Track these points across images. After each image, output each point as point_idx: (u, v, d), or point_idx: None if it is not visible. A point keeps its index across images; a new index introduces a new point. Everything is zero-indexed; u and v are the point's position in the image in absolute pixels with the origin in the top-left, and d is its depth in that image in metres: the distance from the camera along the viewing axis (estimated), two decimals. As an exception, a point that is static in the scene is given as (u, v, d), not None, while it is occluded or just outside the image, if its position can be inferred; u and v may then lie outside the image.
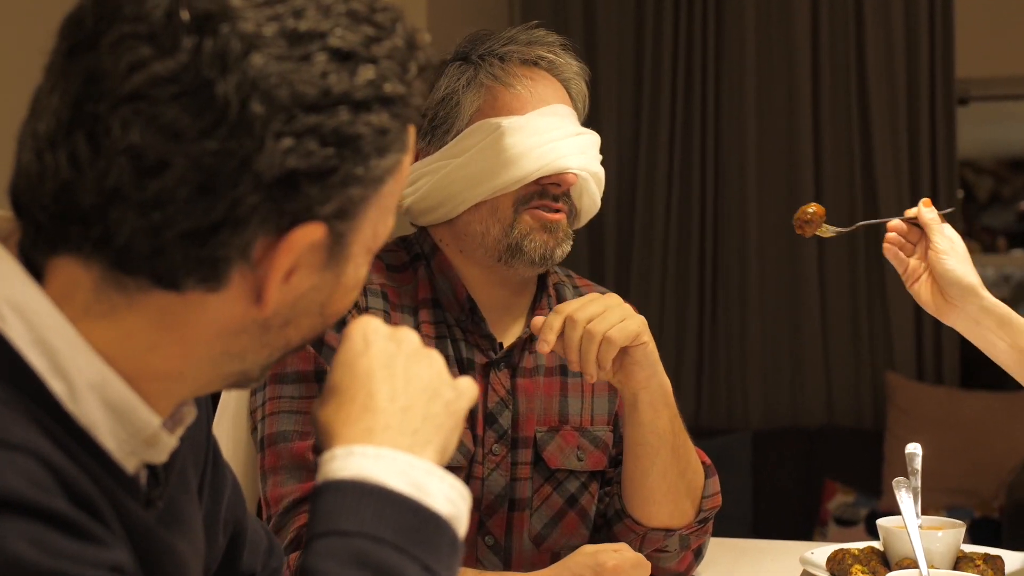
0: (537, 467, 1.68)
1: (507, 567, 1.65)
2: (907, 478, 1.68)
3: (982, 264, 5.50)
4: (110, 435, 0.88)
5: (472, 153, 1.63)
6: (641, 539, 1.65)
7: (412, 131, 0.92)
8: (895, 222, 1.70)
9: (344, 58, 0.85)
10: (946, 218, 1.68)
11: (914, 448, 1.73)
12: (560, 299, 1.77)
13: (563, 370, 1.72)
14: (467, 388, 0.96)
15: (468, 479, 1.63)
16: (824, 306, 4.61)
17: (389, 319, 1.63)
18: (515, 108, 1.64)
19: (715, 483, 1.70)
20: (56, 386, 0.85)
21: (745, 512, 4.39)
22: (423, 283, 1.69)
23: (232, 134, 0.81)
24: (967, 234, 5.21)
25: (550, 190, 1.64)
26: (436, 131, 1.67)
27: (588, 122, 1.73)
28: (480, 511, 1.64)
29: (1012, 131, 5.78)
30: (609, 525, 1.71)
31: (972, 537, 1.75)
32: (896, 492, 1.64)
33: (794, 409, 4.66)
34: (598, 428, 1.73)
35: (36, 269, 0.87)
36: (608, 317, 1.53)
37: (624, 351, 1.55)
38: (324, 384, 0.94)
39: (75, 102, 0.83)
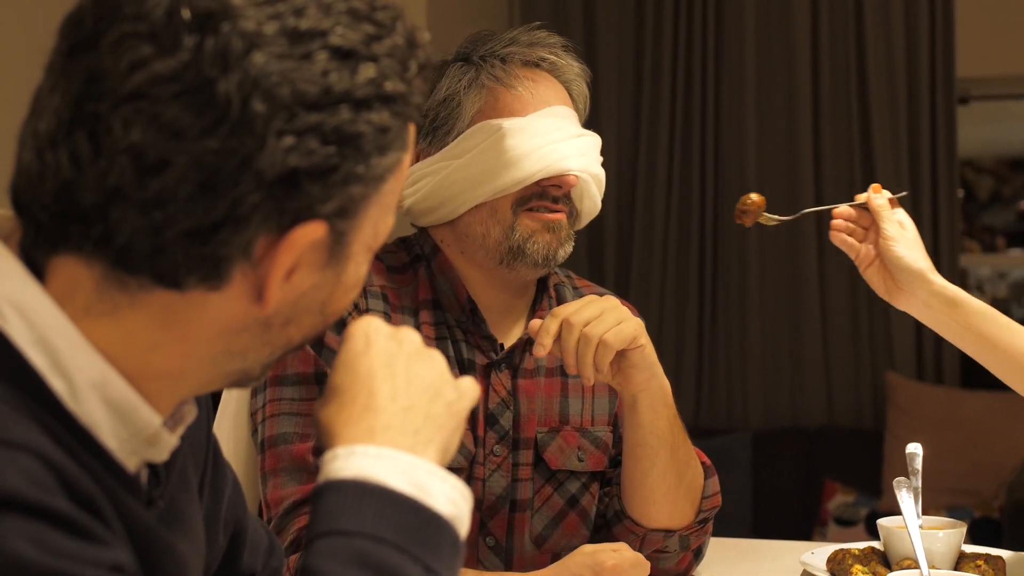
0: (538, 468, 1.68)
1: (508, 568, 1.65)
2: (907, 478, 1.67)
3: (980, 264, 5.50)
4: (111, 434, 0.88)
5: (473, 154, 1.63)
6: (641, 540, 1.65)
7: (412, 129, 0.92)
8: (841, 208, 1.71)
9: (345, 56, 0.85)
10: (898, 201, 1.69)
11: (915, 448, 1.73)
12: (560, 300, 1.77)
13: (563, 371, 1.71)
14: (469, 388, 0.96)
15: (469, 480, 1.62)
16: (824, 306, 4.61)
17: (389, 321, 1.62)
18: (516, 109, 1.64)
19: (715, 483, 1.70)
20: (57, 385, 0.85)
21: (745, 512, 4.39)
22: (423, 284, 1.69)
23: (233, 133, 0.81)
24: (967, 234, 5.22)
25: (550, 192, 1.64)
26: (437, 132, 1.67)
27: (588, 123, 1.73)
28: (481, 512, 1.64)
29: (1012, 130, 5.78)
30: (609, 526, 1.71)
31: (972, 537, 1.75)
32: (897, 492, 1.64)
33: (794, 409, 4.66)
34: (599, 428, 1.73)
35: (37, 268, 0.87)
36: (605, 320, 1.53)
37: (622, 354, 1.55)
38: (325, 385, 0.94)
39: (76, 101, 0.83)
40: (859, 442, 4.44)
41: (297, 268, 0.88)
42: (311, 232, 0.86)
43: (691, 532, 1.68)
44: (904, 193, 1.72)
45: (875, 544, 1.72)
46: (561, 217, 1.65)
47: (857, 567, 1.63)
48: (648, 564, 1.55)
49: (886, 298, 1.68)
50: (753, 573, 1.80)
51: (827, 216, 1.72)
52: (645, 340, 1.56)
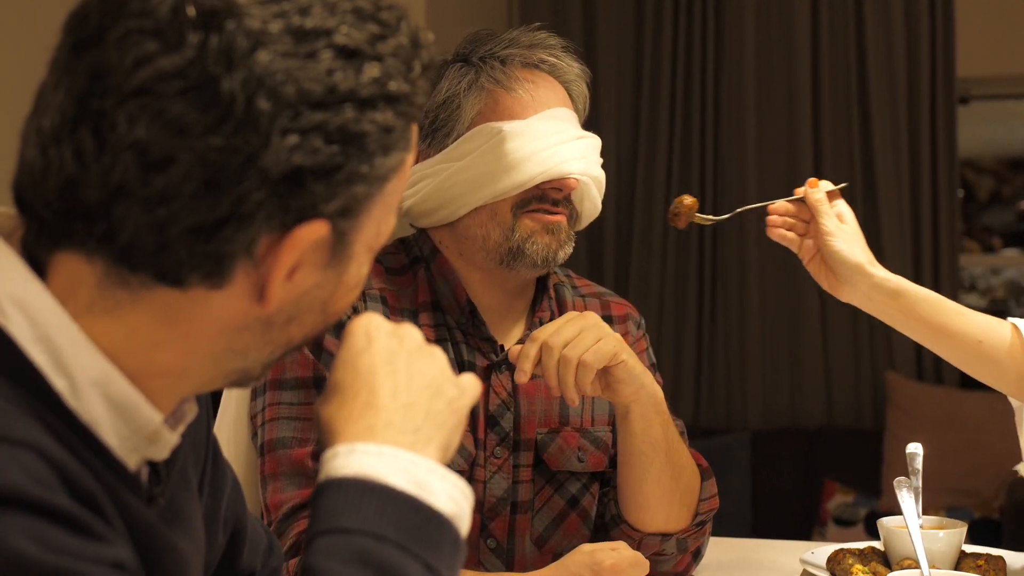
0: (538, 469, 1.68)
1: (509, 569, 1.65)
2: (908, 478, 1.67)
3: (980, 264, 5.49)
4: (112, 432, 0.88)
5: (473, 157, 1.62)
6: (638, 544, 1.65)
7: (415, 130, 0.92)
8: (777, 204, 1.70)
9: (350, 56, 0.85)
10: (841, 192, 1.69)
11: (915, 448, 1.73)
12: (560, 300, 1.77)
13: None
14: (470, 385, 0.96)
15: (470, 482, 1.61)
16: (823, 306, 4.61)
17: (389, 324, 1.62)
18: (516, 112, 1.64)
19: (712, 486, 1.70)
20: (58, 383, 0.85)
21: (744, 512, 4.39)
22: (423, 286, 1.68)
23: (238, 130, 0.81)
24: (967, 234, 5.21)
25: (551, 195, 1.64)
26: (436, 133, 1.67)
27: (587, 123, 1.72)
28: (482, 514, 1.64)
29: (1013, 130, 5.77)
30: (606, 528, 1.71)
31: (972, 537, 1.75)
32: (897, 492, 1.64)
33: (794, 409, 4.66)
34: (599, 429, 1.73)
35: (39, 265, 0.87)
36: (582, 340, 1.53)
37: (606, 370, 1.56)
38: (326, 384, 0.94)
39: (80, 98, 0.83)
40: (859, 442, 4.44)
41: (299, 267, 0.88)
42: (314, 231, 0.86)
43: (688, 535, 1.68)
44: (845, 184, 1.72)
45: (875, 544, 1.72)
46: (561, 219, 1.65)
47: (857, 567, 1.63)
48: (647, 563, 1.54)
49: (830, 291, 1.68)
50: (753, 573, 1.80)
51: None
52: (627, 355, 1.56)
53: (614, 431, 1.74)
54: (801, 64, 4.60)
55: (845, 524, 4.22)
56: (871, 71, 4.53)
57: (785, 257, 4.80)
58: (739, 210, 1.86)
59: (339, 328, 1.46)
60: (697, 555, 1.73)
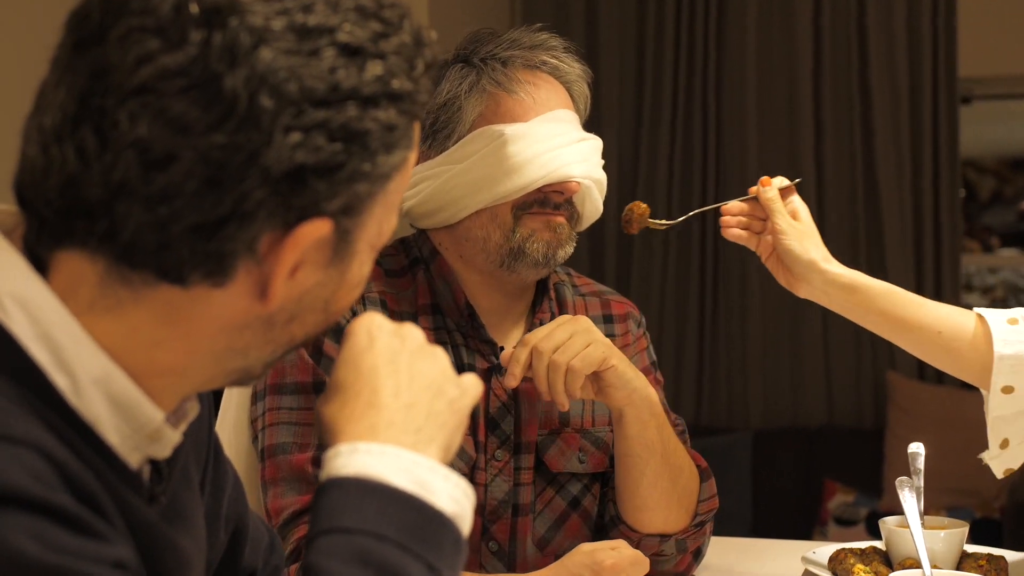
0: (539, 471, 1.68)
1: (511, 571, 1.65)
2: (909, 477, 1.67)
3: (981, 264, 5.49)
4: (113, 430, 0.87)
5: (474, 159, 1.62)
6: (637, 544, 1.64)
7: (418, 128, 0.92)
8: (730, 204, 1.70)
9: (352, 53, 0.85)
10: (795, 188, 1.68)
11: (917, 447, 1.73)
12: (560, 299, 1.76)
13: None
14: (471, 385, 0.96)
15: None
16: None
17: (389, 327, 1.62)
18: (518, 114, 1.63)
19: (711, 486, 1.69)
20: (60, 381, 0.85)
21: (745, 512, 4.39)
22: (423, 288, 1.68)
23: (240, 128, 0.81)
24: (968, 234, 5.21)
25: (552, 198, 1.63)
26: (437, 135, 1.66)
27: (589, 124, 1.72)
28: (484, 517, 1.64)
29: (1014, 130, 5.77)
30: (606, 528, 1.71)
31: (973, 537, 1.75)
32: (899, 491, 1.64)
33: (794, 409, 4.66)
34: (599, 429, 1.73)
35: (40, 263, 0.87)
36: (572, 346, 1.54)
37: (597, 375, 1.56)
38: (328, 384, 0.94)
39: (82, 96, 0.83)
40: (859, 442, 4.44)
41: (301, 265, 0.88)
42: (316, 229, 0.86)
43: (687, 535, 1.68)
44: (798, 180, 1.71)
45: (877, 544, 1.72)
46: (561, 220, 1.65)
47: (859, 566, 1.63)
48: (647, 561, 1.54)
49: (788, 287, 1.68)
50: (753, 573, 1.80)
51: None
52: (617, 360, 1.56)
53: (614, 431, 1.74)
54: (803, 64, 4.60)
55: (846, 524, 4.22)
56: (873, 71, 4.53)
57: (786, 257, 4.80)
58: (692, 213, 1.86)
59: (338, 333, 1.46)
60: (697, 555, 1.73)
